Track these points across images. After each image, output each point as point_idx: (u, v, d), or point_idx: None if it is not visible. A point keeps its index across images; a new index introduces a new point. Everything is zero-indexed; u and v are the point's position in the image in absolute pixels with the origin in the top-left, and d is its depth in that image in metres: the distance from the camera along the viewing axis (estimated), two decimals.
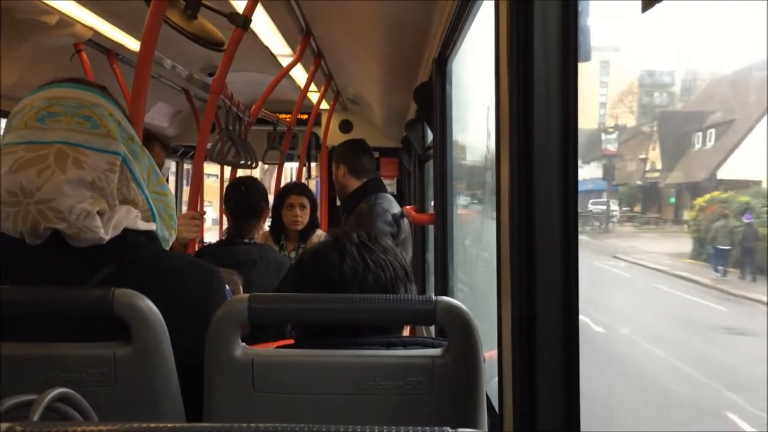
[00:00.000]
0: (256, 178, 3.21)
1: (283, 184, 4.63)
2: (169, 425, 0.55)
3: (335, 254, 1.32)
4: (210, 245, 3.05)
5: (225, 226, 3.88)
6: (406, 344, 1.24)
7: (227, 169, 5.13)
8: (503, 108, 1.16)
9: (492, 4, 1.29)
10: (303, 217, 3.55)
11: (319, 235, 3.62)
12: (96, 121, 1.20)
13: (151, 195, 1.28)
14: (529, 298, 1.06)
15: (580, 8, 1.01)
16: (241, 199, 2.99)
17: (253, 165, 4.26)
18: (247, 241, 2.85)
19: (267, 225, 3.48)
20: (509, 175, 1.11)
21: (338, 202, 4.49)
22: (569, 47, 1.01)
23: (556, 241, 1.04)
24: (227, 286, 1.40)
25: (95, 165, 1.16)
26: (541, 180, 1.04)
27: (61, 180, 1.13)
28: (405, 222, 3.50)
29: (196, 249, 2.59)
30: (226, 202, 3.09)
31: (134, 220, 1.23)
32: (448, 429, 0.58)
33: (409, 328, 1.41)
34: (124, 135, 1.24)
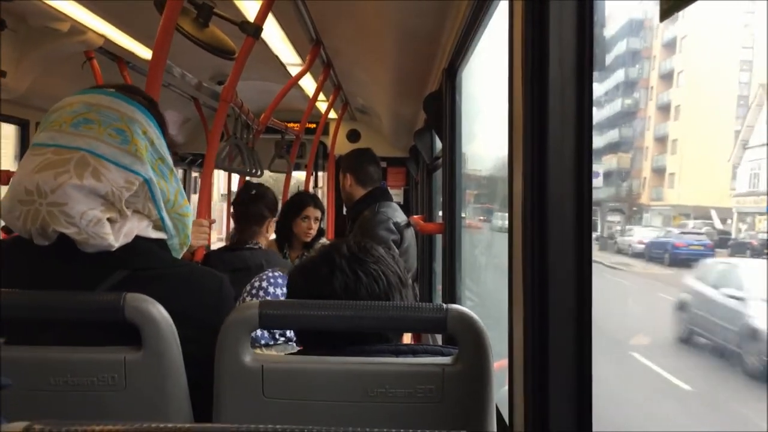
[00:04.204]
0: (267, 187, 3.20)
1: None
2: (187, 426, 0.55)
3: (325, 269, 1.29)
4: (217, 250, 3.05)
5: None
6: (415, 352, 1.24)
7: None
8: (516, 117, 1.16)
9: (504, 15, 1.30)
10: (315, 229, 3.59)
11: (324, 243, 3.63)
12: (127, 137, 1.20)
13: (173, 215, 1.28)
14: (541, 307, 1.06)
15: (595, 18, 1.01)
16: (246, 205, 3.01)
17: (259, 174, 4.27)
18: (251, 246, 2.86)
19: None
20: (522, 183, 1.11)
21: (345, 211, 4.51)
22: (584, 56, 1.02)
23: (569, 249, 1.04)
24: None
25: (113, 180, 1.17)
26: (555, 188, 1.04)
27: (75, 186, 1.14)
28: (409, 231, 3.51)
29: (204, 255, 2.60)
30: (234, 205, 3.12)
31: (146, 228, 1.24)
32: None
33: (411, 335, 1.40)
34: (154, 155, 1.24)
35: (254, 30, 2.47)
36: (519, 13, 1.13)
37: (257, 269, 2.61)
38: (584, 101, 1.02)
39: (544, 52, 1.03)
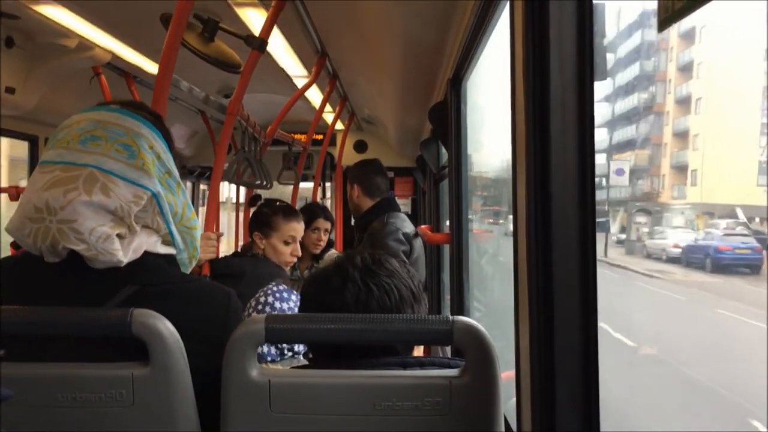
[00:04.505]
0: (267, 200, 3.23)
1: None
2: None
3: (337, 279, 1.29)
4: (217, 258, 3.07)
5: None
6: (422, 364, 1.23)
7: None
8: (519, 124, 1.16)
9: (506, 26, 1.30)
10: (324, 241, 3.60)
11: (332, 254, 3.63)
12: (134, 152, 1.21)
13: (181, 228, 1.29)
14: (546, 314, 1.05)
15: (595, 28, 1.01)
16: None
17: (268, 186, 4.28)
18: (246, 253, 2.89)
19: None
20: (525, 192, 1.11)
21: (353, 222, 4.52)
22: (585, 66, 1.02)
23: (574, 258, 1.04)
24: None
25: (122, 195, 1.18)
26: (559, 196, 1.04)
27: (85, 202, 1.15)
28: (418, 241, 3.51)
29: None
30: None
31: (154, 244, 1.25)
32: None
33: (423, 347, 1.40)
34: (161, 169, 1.25)
35: (259, 44, 2.48)
36: (519, 20, 1.14)
37: (238, 276, 2.63)
38: (585, 106, 1.02)
39: (545, 60, 1.03)
